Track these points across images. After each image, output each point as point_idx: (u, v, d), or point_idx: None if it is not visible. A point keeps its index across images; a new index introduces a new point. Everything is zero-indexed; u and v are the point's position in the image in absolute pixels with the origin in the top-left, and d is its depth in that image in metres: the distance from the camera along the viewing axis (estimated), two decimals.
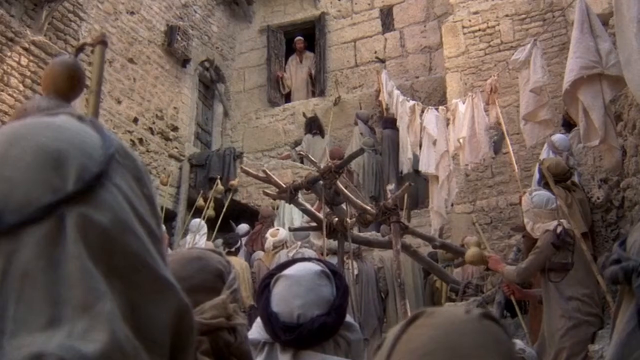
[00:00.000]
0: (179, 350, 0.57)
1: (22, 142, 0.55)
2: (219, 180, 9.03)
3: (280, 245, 6.74)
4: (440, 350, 0.66)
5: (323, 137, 10.34)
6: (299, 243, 6.50)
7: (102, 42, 1.32)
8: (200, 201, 8.43)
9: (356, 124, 10.01)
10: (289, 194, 5.20)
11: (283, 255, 6.34)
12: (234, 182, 9.28)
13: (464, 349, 0.67)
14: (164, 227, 7.68)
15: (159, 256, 0.57)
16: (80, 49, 1.51)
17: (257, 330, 1.37)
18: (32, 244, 0.50)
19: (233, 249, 6.97)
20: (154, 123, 9.36)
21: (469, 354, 0.66)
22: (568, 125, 6.28)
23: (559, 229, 4.01)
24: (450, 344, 0.67)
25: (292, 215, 7.67)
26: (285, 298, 1.33)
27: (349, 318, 1.38)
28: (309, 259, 1.48)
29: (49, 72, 1.51)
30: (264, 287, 1.39)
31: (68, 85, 1.47)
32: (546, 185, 4.47)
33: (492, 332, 0.70)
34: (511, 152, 6.54)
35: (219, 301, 1.13)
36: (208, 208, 8.17)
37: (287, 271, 1.38)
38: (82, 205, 0.52)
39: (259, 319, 1.37)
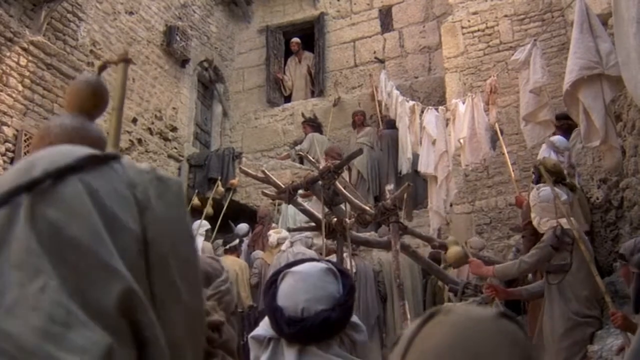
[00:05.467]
0: (140, 337, 0.60)
1: (14, 165, 0.64)
2: (219, 182, 9.05)
3: (283, 242, 6.79)
4: (455, 351, 0.66)
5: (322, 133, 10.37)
6: (290, 236, 6.56)
7: (126, 60, 1.33)
8: (195, 200, 8.46)
9: (363, 124, 10.05)
10: (288, 194, 5.20)
11: (282, 255, 6.36)
12: (233, 182, 9.30)
13: (479, 350, 0.66)
14: None
15: (117, 248, 0.60)
16: (103, 66, 1.53)
17: (262, 328, 1.38)
18: None
19: (228, 247, 7.02)
20: (152, 123, 9.35)
21: (484, 355, 0.66)
22: (568, 128, 6.25)
23: (558, 230, 4.01)
24: (465, 344, 0.66)
25: (296, 217, 7.67)
26: (291, 293, 1.35)
27: (355, 318, 1.39)
28: (317, 260, 1.50)
29: (72, 90, 1.52)
30: (271, 283, 1.41)
31: (92, 102, 1.48)
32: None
33: (508, 332, 0.69)
34: (506, 153, 6.55)
35: None
36: (206, 206, 8.23)
37: (294, 268, 1.41)
38: (37, 196, 0.58)
39: (266, 318, 1.38)
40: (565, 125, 6.12)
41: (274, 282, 1.40)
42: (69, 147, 0.65)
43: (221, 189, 8.96)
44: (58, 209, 0.58)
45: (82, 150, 0.63)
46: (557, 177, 4.67)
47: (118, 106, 1.25)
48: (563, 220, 4.07)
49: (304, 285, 1.35)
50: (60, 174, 0.59)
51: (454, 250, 4.87)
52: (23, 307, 0.52)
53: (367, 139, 9.71)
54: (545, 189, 4.27)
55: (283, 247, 6.48)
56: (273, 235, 6.93)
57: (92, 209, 0.59)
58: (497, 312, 0.71)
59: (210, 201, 8.43)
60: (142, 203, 0.63)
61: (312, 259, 1.52)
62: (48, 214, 0.57)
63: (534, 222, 4.35)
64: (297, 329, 1.29)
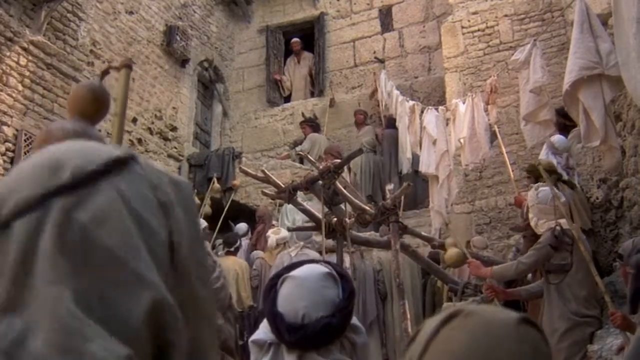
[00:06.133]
0: (164, 343, 0.59)
1: (29, 162, 0.60)
2: (215, 179, 9.03)
3: (283, 243, 6.76)
4: (474, 357, 0.64)
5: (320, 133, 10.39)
6: (302, 243, 6.51)
7: (127, 65, 1.33)
8: (195, 200, 8.41)
9: (364, 124, 10.07)
10: (288, 194, 5.20)
11: (285, 256, 6.35)
12: (235, 182, 9.29)
13: (498, 358, 0.64)
14: None
15: (151, 255, 0.58)
16: (105, 72, 1.54)
17: (263, 331, 1.38)
18: (18, 234, 0.55)
19: (232, 249, 6.99)
20: (152, 123, 9.35)
21: None
22: (564, 127, 6.28)
23: (557, 230, 4.01)
24: (483, 352, 0.64)
25: (295, 216, 7.68)
26: (291, 299, 1.34)
27: (355, 320, 1.39)
28: (317, 261, 1.48)
29: (74, 95, 1.53)
30: (270, 287, 1.40)
31: (93, 108, 1.49)
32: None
33: (529, 339, 0.67)
34: (505, 153, 6.54)
35: None
36: (204, 206, 8.21)
37: (294, 272, 1.39)
38: (68, 201, 0.56)
39: (265, 320, 1.38)
40: (562, 124, 6.12)
41: (273, 286, 1.39)
42: (89, 144, 0.63)
43: (217, 186, 8.94)
44: (90, 213, 0.56)
45: (104, 150, 0.62)
46: (556, 175, 4.68)
47: (120, 111, 1.25)
48: (563, 221, 4.07)
49: (303, 290, 1.34)
50: (91, 178, 0.58)
51: (452, 252, 4.88)
52: (42, 318, 0.51)
53: (369, 139, 9.71)
54: (544, 190, 4.27)
55: (293, 252, 6.42)
56: (272, 237, 6.88)
57: (126, 215, 0.58)
58: (519, 317, 0.69)
59: (207, 200, 8.42)
60: (165, 206, 0.62)
61: (311, 261, 1.50)
62: (80, 218, 0.56)
63: (532, 223, 4.36)
64: (297, 336, 1.29)
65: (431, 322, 0.71)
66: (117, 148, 0.63)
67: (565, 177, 5.18)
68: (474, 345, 0.65)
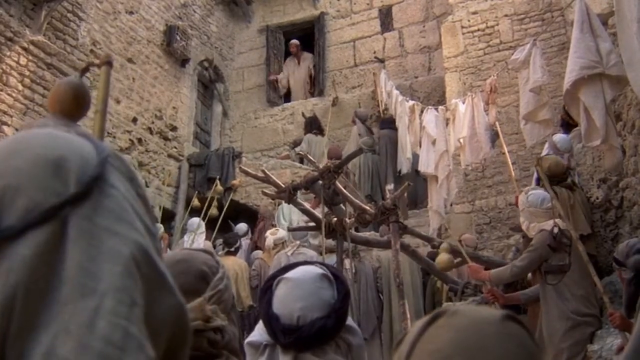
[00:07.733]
0: (177, 347, 0.58)
1: (22, 153, 0.57)
2: (218, 181, 9.06)
3: (280, 244, 6.78)
4: (459, 355, 0.65)
5: (323, 136, 10.36)
6: (298, 242, 6.52)
7: (108, 62, 1.33)
8: (195, 201, 8.47)
9: (354, 122, 10.03)
10: (288, 194, 5.19)
11: (283, 255, 6.35)
12: (235, 182, 9.30)
13: (484, 354, 0.65)
14: (161, 226, 7.74)
15: (157, 253, 0.58)
16: (85, 69, 1.53)
17: (258, 333, 1.38)
18: (34, 247, 0.51)
19: (232, 249, 7.00)
20: (152, 123, 9.35)
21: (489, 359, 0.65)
22: (567, 125, 6.27)
23: (555, 230, 4.00)
24: (470, 348, 0.65)
25: (292, 217, 7.69)
26: (286, 300, 1.34)
27: (350, 321, 1.39)
28: (312, 263, 1.49)
29: (54, 92, 1.53)
30: (266, 289, 1.40)
31: (73, 105, 1.49)
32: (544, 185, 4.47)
33: (514, 335, 0.67)
34: (507, 153, 6.54)
35: (195, 304, 1.15)
36: (210, 207, 8.25)
37: (289, 274, 1.39)
38: (84, 208, 0.54)
39: (260, 322, 1.38)
40: (566, 122, 6.11)
41: (268, 288, 1.40)
42: (67, 136, 0.61)
43: (220, 187, 8.98)
44: (107, 215, 0.55)
45: (87, 145, 0.60)
46: (556, 177, 4.67)
47: (102, 109, 1.25)
48: (560, 221, 4.07)
49: (299, 292, 1.34)
50: (95, 179, 0.56)
51: (443, 258, 4.91)
52: (78, 328, 0.49)
53: (366, 139, 9.69)
54: (534, 193, 4.28)
55: (290, 251, 6.42)
56: (269, 238, 6.89)
57: (134, 216, 0.57)
58: (503, 314, 0.69)
59: (215, 202, 8.46)
60: (143, 198, 0.62)
61: (306, 262, 1.50)
62: (102, 223, 0.54)
63: (523, 227, 4.37)
64: (293, 338, 1.29)
65: (417, 323, 0.72)
66: (88, 140, 0.61)
67: (569, 179, 5.17)
68: (460, 342, 0.66)
